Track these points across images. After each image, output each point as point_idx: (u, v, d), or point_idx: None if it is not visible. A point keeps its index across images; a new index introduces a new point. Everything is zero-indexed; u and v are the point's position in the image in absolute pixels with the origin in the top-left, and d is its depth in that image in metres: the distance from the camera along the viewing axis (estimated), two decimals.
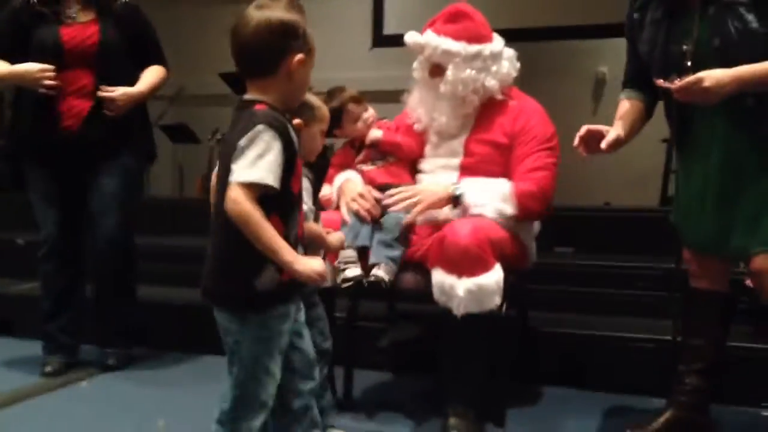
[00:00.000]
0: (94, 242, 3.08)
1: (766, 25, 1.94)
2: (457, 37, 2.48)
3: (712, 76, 1.91)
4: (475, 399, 2.29)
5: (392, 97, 2.91)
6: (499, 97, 2.54)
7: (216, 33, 9.10)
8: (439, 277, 2.27)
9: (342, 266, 2.39)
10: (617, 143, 2.18)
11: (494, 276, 2.23)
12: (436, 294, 2.28)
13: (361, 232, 2.43)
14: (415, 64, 2.61)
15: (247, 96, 1.67)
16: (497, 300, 2.23)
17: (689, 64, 2.02)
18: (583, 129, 2.20)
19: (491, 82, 2.51)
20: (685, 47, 2.05)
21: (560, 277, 3.26)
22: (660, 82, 2.00)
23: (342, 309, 2.65)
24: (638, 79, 2.27)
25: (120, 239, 3.06)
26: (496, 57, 2.53)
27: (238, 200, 1.56)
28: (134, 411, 2.59)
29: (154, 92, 3.09)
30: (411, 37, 2.53)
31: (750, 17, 1.95)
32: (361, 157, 2.69)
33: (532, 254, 2.63)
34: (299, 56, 1.64)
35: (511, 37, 2.64)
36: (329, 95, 2.62)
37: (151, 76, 3.07)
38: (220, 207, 1.61)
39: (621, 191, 5.93)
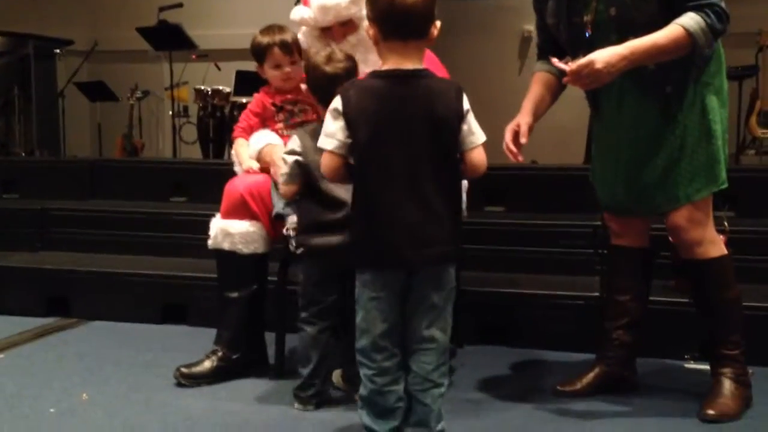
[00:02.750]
0: None
1: None
2: None
3: (602, 58, 1.93)
4: None
5: None
6: None
7: None
8: None
9: (292, 233, 2.32)
10: (531, 129, 2.19)
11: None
12: None
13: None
14: (307, 41, 2.48)
15: (411, 66, 1.80)
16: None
17: (588, 34, 2.07)
18: (508, 138, 2.16)
19: None
20: (585, 18, 2.09)
21: (491, 236, 3.28)
22: (555, 61, 2.02)
23: (271, 273, 2.60)
24: (550, 50, 2.25)
25: None
26: None
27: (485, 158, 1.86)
28: (55, 383, 2.48)
29: None
30: (313, 5, 2.40)
31: None
32: (281, 117, 2.59)
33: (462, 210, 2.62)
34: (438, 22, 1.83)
35: None
36: (265, 29, 2.55)
37: None
38: (448, 172, 1.82)
39: (546, 149, 6.00)
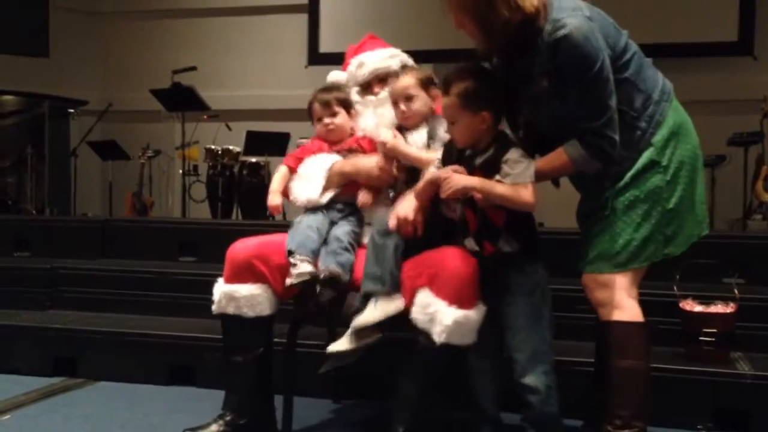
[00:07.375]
0: None
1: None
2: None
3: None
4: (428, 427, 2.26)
5: None
6: None
7: (147, 49, 8.89)
8: (426, 299, 2.20)
9: (293, 262, 2.32)
10: None
11: (481, 311, 2.21)
12: (417, 315, 2.20)
13: (306, 243, 2.38)
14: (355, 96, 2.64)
15: None
16: (474, 337, 2.20)
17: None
18: None
19: None
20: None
21: None
22: None
23: (280, 334, 2.59)
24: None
25: None
26: None
27: None
28: None
29: None
30: (374, 60, 2.61)
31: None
32: None
33: None
34: None
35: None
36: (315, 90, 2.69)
37: None
38: None
39: (552, 212, 6.02)
